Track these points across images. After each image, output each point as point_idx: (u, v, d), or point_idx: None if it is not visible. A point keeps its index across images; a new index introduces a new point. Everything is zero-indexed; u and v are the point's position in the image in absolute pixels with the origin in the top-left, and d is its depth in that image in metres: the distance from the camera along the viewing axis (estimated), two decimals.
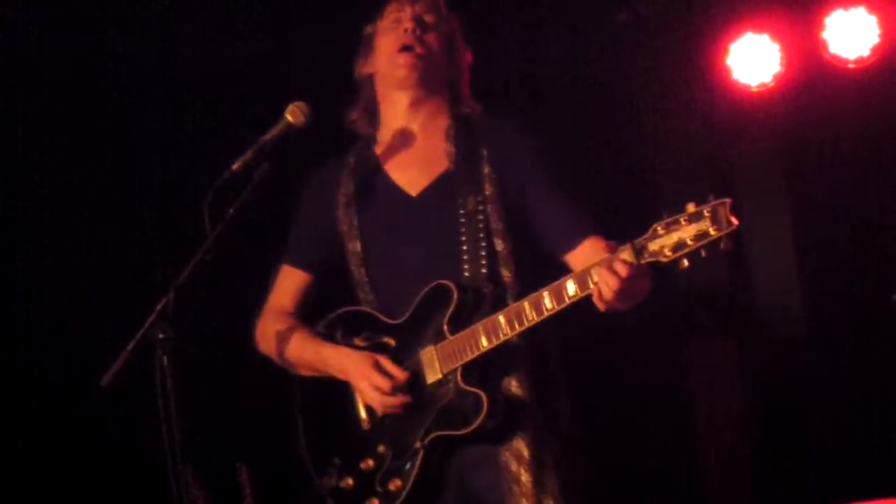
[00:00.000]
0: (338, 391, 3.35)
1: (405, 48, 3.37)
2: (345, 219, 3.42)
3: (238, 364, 4.02)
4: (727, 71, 5.00)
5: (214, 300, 4.17)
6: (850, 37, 4.79)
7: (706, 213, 2.84)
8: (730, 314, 5.30)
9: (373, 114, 3.51)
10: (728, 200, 2.84)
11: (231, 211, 3.28)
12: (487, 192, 3.29)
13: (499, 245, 3.26)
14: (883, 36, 4.77)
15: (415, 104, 3.43)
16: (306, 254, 3.52)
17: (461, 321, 3.20)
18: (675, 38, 5.10)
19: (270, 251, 3.60)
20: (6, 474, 4.52)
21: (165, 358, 3.01)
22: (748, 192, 5.21)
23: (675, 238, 2.87)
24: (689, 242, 2.85)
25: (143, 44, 4.68)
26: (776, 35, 4.94)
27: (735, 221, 2.82)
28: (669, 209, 2.91)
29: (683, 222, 2.86)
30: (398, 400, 3.23)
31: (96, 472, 4.62)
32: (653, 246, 2.89)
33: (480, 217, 3.26)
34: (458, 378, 3.17)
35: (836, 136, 4.90)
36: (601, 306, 3.04)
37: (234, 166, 3.24)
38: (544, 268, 3.27)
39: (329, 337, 3.42)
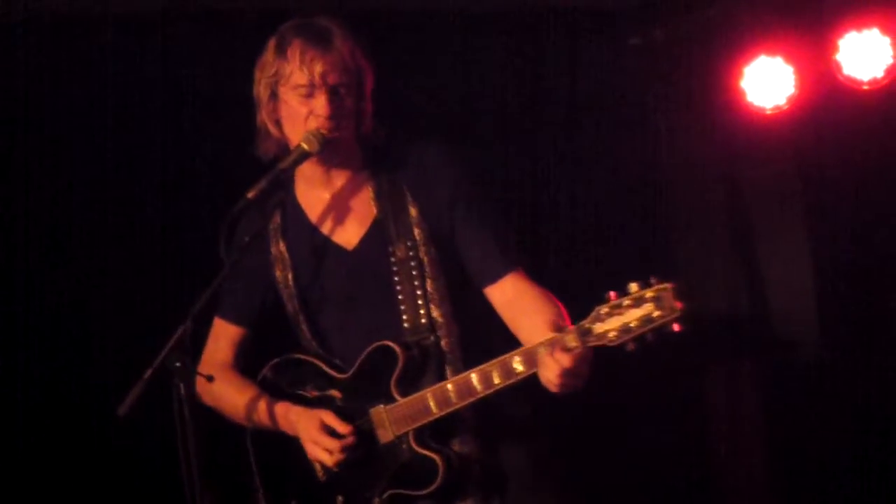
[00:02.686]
0: (292, 439, 3.40)
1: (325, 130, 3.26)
2: (282, 280, 3.42)
3: None
4: (741, 94, 4.98)
5: None
6: (863, 58, 4.76)
7: (649, 297, 2.83)
8: (747, 337, 5.28)
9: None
10: (671, 286, 2.84)
11: (247, 239, 3.31)
12: (416, 236, 3.28)
13: (431, 287, 3.28)
14: None
15: (330, 162, 3.38)
16: (240, 309, 3.52)
17: (409, 382, 3.24)
18: (689, 62, 5.10)
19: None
20: (25, 501, 4.55)
21: (182, 386, 3.04)
22: (763, 213, 5.20)
23: (619, 321, 2.87)
24: (634, 326, 2.86)
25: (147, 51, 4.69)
26: (790, 57, 4.92)
27: (679, 306, 2.81)
28: (616, 288, 2.90)
29: (627, 305, 2.86)
30: (347, 458, 3.28)
31: (114, 499, 4.63)
32: (598, 329, 2.90)
33: (413, 263, 3.27)
34: (411, 441, 3.23)
35: (851, 158, 4.88)
36: (549, 388, 3.03)
37: (250, 195, 3.26)
38: (481, 304, 3.31)
39: (276, 386, 3.45)
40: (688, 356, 5.16)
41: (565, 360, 2.94)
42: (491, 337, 3.28)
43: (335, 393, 3.36)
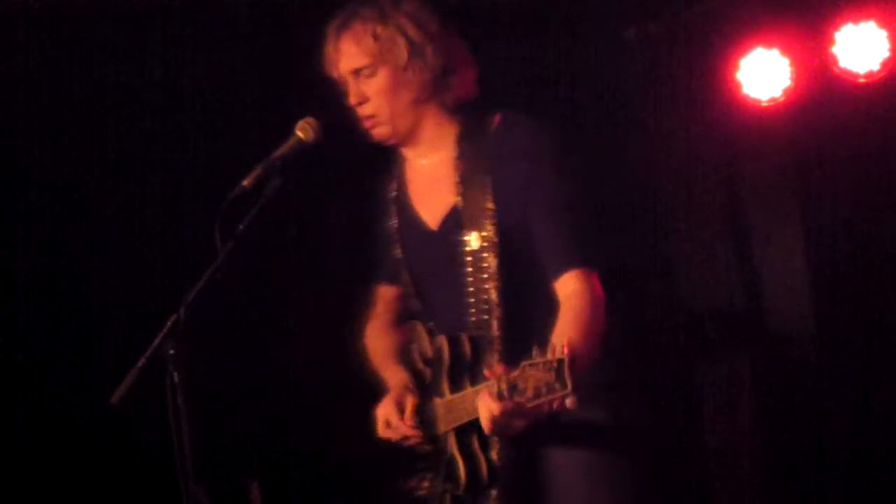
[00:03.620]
0: None
1: (362, 121, 3.26)
2: (396, 253, 3.42)
3: (249, 380, 4.05)
4: (737, 86, 4.98)
5: (226, 316, 4.18)
6: (860, 51, 4.75)
7: (553, 365, 2.68)
8: (741, 333, 5.28)
9: None
10: (564, 359, 2.67)
11: (241, 228, 3.29)
12: (489, 232, 3.18)
13: (492, 287, 3.17)
14: (893, 50, 4.74)
15: (410, 141, 3.34)
16: (390, 271, 3.52)
17: (458, 379, 3.19)
18: (684, 54, 5.09)
19: (281, 267, 3.62)
20: (15, 493, 4.53)
21: (176, 375, 3.03)
22: (759, 207, 5.20)
23: (533, 382, 2.72)
24: (544, 392, 2.70)
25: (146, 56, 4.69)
26: (786, 50, 4.92)
27: (568, 386, 2.64)
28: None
29: (541, 366, 2.71)
30: (404, 439, 3.27)
31: (107, 489, 4.63)
32: (521, 385, 2.75)
33: (484, 254, 3.18)
34: (452, 438, 3.18)
35: (847, 151, 4.88)
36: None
37: (245, 183, 3.23)
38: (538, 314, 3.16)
39: (404, 348, 3.44)
40: (683, 354, 5.17)
41: (493, 408, 2.83)
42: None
43: (427, 371, 3.33)
